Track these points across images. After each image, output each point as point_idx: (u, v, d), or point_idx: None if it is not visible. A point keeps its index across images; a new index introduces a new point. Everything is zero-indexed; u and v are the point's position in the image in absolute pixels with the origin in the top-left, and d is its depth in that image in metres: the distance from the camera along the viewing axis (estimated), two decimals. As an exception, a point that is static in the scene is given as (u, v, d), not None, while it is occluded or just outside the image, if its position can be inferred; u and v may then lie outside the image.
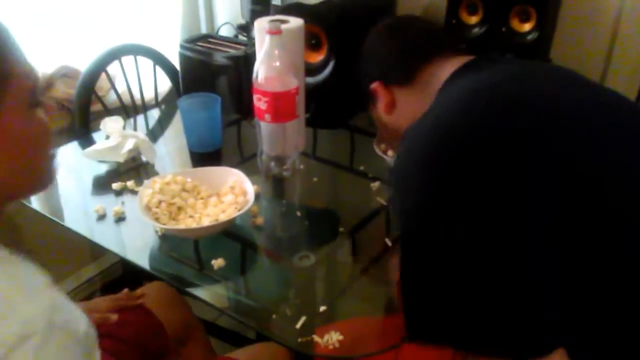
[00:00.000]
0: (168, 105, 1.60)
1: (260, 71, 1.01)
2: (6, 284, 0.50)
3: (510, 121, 0.63)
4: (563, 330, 0.58)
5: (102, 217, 1.00)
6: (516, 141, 0.61)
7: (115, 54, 1.50)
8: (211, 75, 1.37)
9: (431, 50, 0.83)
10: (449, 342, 0.63)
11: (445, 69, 0.79)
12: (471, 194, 0.59)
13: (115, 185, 1.08)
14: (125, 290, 1.03)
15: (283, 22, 1.07)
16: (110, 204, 1.03)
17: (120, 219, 1.00)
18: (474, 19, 1.29)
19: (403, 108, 0.86)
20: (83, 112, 1.46)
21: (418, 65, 0.82)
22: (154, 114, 1.49)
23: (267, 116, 1.03)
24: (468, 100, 0.68)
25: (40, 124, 0.57)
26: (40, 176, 0.60)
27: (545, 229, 0.58)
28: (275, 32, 0.98)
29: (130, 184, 1.08)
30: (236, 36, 1.67)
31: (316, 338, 0.74)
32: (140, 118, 1.45)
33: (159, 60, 1.62)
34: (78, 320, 0.51)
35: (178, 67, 1.49)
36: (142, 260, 0.92)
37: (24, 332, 0.46)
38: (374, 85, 0.87)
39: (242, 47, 1.37)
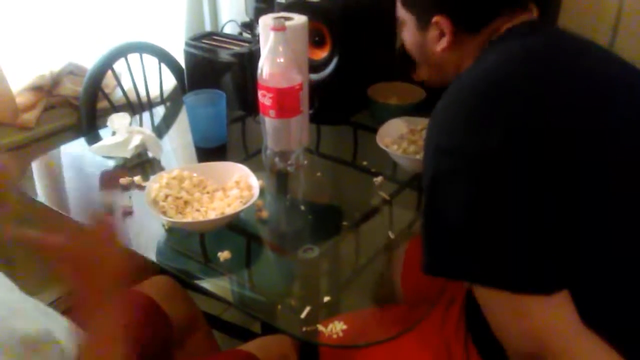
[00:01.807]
0: (173, 102, 1.62)
1: (265, 67, 1.02)
2: None
3: (558, 87, 0.66)
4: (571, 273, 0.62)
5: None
6: (561, 107, 0.64)
7: (121, 52, 1.52)
8: (216, 72, 1.38)
9: (507, 3, 0.79)
10: (459, 275, 0.67)
11: (505, 25, 0.78)
12: (510, 144, 0.62)
13: (123, 181, 1.09)
14: None
15: (287, 19, 1.08)
16: (117, 198, 1.05)
17: (127, 213, 1.01)
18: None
19: (458, 51, 0.83)
20: (90, 109, 1.48)
21: (493, 16, 0.79)
22: (160, 111, 1.51)
23: (272, 112, 1.05)
24: (520, 60, 0.70)
25: None
26: None
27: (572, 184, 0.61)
28: (279, 28, 0.99)
29: (137, 179, 1.10)
30: (240, 34, 1.68)
31: (320, 327, 0.75)
32: (146, 115, 1.47)
33: (165, 57, 1.64)
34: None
35: (183, 64, 1.51)
36: (149, 253, 0.94)
37: None
38: (439, 19, 0.80)
39: (247, 45, 1.38)
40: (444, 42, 0.81)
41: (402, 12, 0.87)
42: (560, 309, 0.61)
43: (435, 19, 0.80)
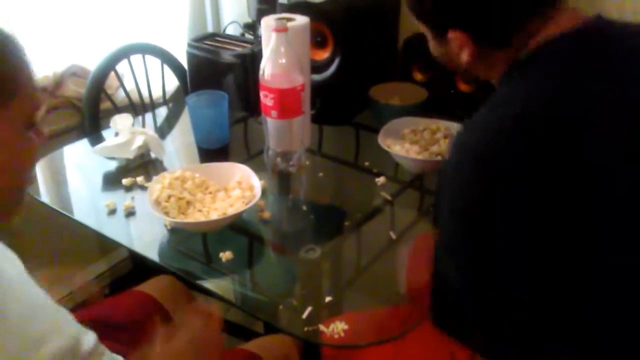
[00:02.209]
0: (176, 103, 1.62)
1: (267, 68, 1.03)
2: None
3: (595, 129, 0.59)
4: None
5: (112, 211, 1.02)
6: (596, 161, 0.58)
7: (124, 53, 1.52)
8: (218, 73, 1.39)
9: (539, 6, 0.66)
10: (461, 339, 0.67)
11: (544, 31, 0.67)
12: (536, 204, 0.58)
13: (125, 181, 1.10)
14: None
15: (289, 20, 1.08)
16: (120, 199, 1.05)
17: (130, 213, 1.02)
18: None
19: (485, 62, 0.73)
20: (93, 110, 1.48)
21: (520, 26, 0.67)
22: (162, 112, 1.52)
23: (274, 112, 1.05)
24: (560, 91, 0.62)
25: (29, 147, 0.58)
26: (5, 200, 0.58)
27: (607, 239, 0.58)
28: (281, 29, 1.00)
29: (139, 179, 1.10)
30: (243, 35, 1.69)
31: (322, 327, 0.75)
32: (148, 116, 1.48)
33: (167, 58, 1.64)
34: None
35: (186, 65, 1.51)
36: (151, 253, 0.94)
37: None
38: (454, 35, 0.70)
39: (249, 46, 1.39)
40: (466, 55, 0.71)
41: (418, 23, 0.77)
42: None
43: (450, 34, 0.70)
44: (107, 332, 0.92)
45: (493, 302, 0.62)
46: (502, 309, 0.61)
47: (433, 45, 0.77)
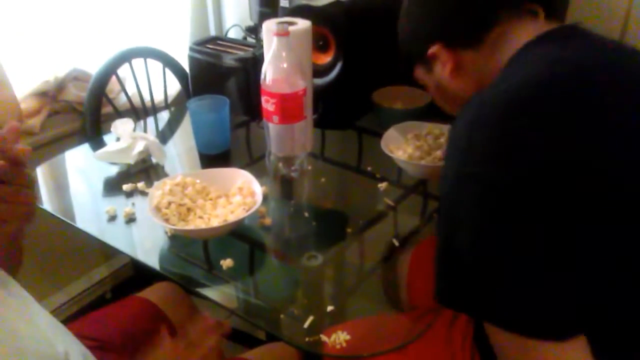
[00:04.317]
0: (177, 107, 1.61)
1: (268, 73, 1.02)
2: None
3: (589, 98, 0.60)
4: (592, 319, 0.58)
5: (112, 218, 1.02)
6: (594, 121, 0.58)
7: (125, 57, 1.52)
8: (220, 77, 1.38)
9: (501, 6, 0.74)
10: (467, 311, 0.64)
11: (518, 34, 0.72)
12: (537, 170, 0.56)
13: (126, 187, 1.09)
14: None
15: (291, 24, 1.07)
16: (120, 205, 1.04)
17: (130, 219, 1.01)
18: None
19: (469, 72, 0.78)
20: (94, 115, 1.48)
21: (488, 27, 0.74)
22: (164, 116, 1.51)
23: (275, 117, 1.04)
24: (547, 73, 0.63)
25: None
26: None
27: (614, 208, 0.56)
28: (282, 34, 0.99)
29: (140, 185, 1.09)
30: (245, 38, 1.68)
31: (324, 338, 0.74)
32: (150, 120, 1.47)
33: (169, 62, 1.63)
34: None
35: (187, 69, 1.50)
36: (152, 260, 0.93)
37: None
38: (434, 49, 0.78)
39: (251, 49, 1.38)
40: (448, 67, 0.78)
41: (416, 72, 0.87)
42: (573, 354, 0.57)
43: (429, 52, 0.79)
44: (106, 341, 0.92)
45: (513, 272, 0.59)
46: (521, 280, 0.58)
47: (429, 84, 0.86)
